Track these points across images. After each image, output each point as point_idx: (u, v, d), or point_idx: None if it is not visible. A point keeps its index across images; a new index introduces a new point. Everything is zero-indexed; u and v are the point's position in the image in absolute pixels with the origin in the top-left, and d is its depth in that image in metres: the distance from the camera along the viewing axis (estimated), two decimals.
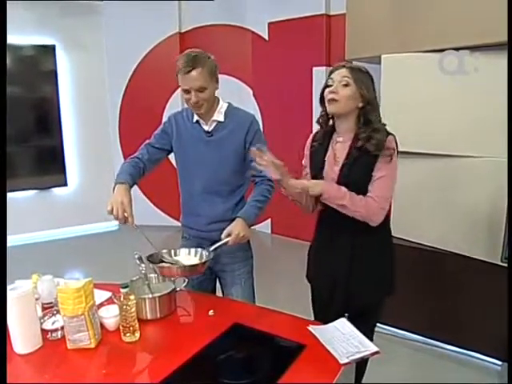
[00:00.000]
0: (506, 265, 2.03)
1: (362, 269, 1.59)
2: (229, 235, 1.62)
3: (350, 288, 1.60)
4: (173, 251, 1.67)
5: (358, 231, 1.55)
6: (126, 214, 1.57)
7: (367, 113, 1.50)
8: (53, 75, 4.53)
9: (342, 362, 1.21)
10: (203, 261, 1.59)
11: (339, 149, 1.57)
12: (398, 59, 2.45)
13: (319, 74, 4.16)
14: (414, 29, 2.38)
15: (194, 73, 1.61)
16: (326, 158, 1.60)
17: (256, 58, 4.61)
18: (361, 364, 1.53)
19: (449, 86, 2.29)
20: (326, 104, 1.54)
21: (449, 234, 2.44)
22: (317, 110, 4.96)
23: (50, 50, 4.47)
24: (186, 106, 1.79)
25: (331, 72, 1.55)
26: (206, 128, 1.76)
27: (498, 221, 2.17)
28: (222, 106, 1.76)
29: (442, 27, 2.25)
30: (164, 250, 1.65)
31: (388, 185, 1.53)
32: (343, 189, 1.50)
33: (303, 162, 1.73)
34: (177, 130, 1.80)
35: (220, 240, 1.64)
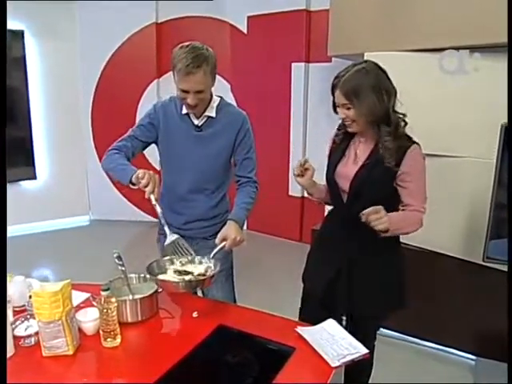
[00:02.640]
0: (487, 264, 2.06)
1: (360, 276, 1.55)
2: (223, 239, 1.54)
3: (349, 294, 1.56)
4: (175, 259, 1.54)
5: (361, 238, 1.51)
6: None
7: (379, 125, 1.45)
8: (21, 62, 4.27)
9: (333, 365, 1.18)
10: (211, 274, 1.45)
11: (361, 149, 1.53)
12: (382, 58, 2.42)
13: (298, 69, 4.13)
14: (399, 27, 2.36)
15: (196, 76, 1.48)
16: (344, 156, 1.56)
17: (234, 51, 4.53)
18: (365, 364, 1.52)
19: (433, 86, 2.29)
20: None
21: (426, 231, 2.46)
22: (295, 106, 4.91)
23: (18, 35, 4.21)
24: (169, 96, 1.70)
25: (333, 90, 1.47)
26: (195, 122, 1.68)
27: (479, 221, 2.21)
28: (215, 101, 1.68)
29: (428, 26, 2.23)
30: (165, 258, 1.54)
31: (423, 189, 1.51)
32: (400, 215, 1.47)
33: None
34: (164, 122, 1.69)
35: (198, 240, 1.60)
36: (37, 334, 1.23)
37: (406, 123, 1.49)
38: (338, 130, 1.61)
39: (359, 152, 1.54)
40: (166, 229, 1.52)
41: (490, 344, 2.29)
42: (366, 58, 2.49)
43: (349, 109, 1.43)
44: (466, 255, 2.30)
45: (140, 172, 1.46)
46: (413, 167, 1.46)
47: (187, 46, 1.51)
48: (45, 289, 1.18)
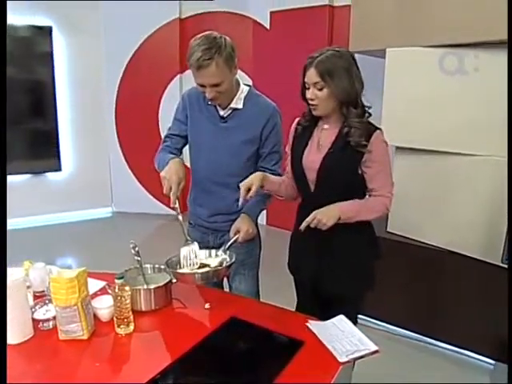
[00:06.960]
0: (505, 266, 2.01)
1: (342, 260, 1.57)
2: (237, 232, 1.57)
3: (331, 279, 1.58)
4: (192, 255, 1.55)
5: (339, 224, 1.49)
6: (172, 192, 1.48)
7: (348, 107, 1.45)
8: (49, 57, 4.42)
9: (341, 360, 1.18)
10: (228, 264, 1.48)
11: (324, 136, 1.53)
12: (403, 53, 2.41)
13: None
14: (420, 23, 2.32)
15: (208, 69, 1.44)
16: (307, 145, 1.55)
17: (257, 47, 4.53)
18: None
19: (453, 82, 2.25)
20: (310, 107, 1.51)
21: (446, 231, 2.42)
22: None
23: (46, 31, 4.36)
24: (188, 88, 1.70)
25: (305, 70, 1.46)
26: (221, 113, 1.64)
27: (497, 220, 2.16)
28: (243, 91, 1.62)
29: (449, 22, 2.20)
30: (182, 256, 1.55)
31: (389, 174, 1.53)
32: (355, 203, 1.48)
33: (286, 148, 1.68)
34: (191, 111, 1.68)
35: (224, 233, 1.63)
36: (55, 318, 1.27)
37: (370, 114, 1.50)
38: (302, 117, 1.59)
39: (321, 139, 1.52)
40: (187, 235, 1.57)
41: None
42: (387, 53, 2.48)
43: (321, 89, 1.43)
44: (486, 256, 2.25)
45: (162, 173, 1.51)
46: (377, 152, 1.47)
47: (200, 37, 1.48)
48: (62, 275, 1.22)
